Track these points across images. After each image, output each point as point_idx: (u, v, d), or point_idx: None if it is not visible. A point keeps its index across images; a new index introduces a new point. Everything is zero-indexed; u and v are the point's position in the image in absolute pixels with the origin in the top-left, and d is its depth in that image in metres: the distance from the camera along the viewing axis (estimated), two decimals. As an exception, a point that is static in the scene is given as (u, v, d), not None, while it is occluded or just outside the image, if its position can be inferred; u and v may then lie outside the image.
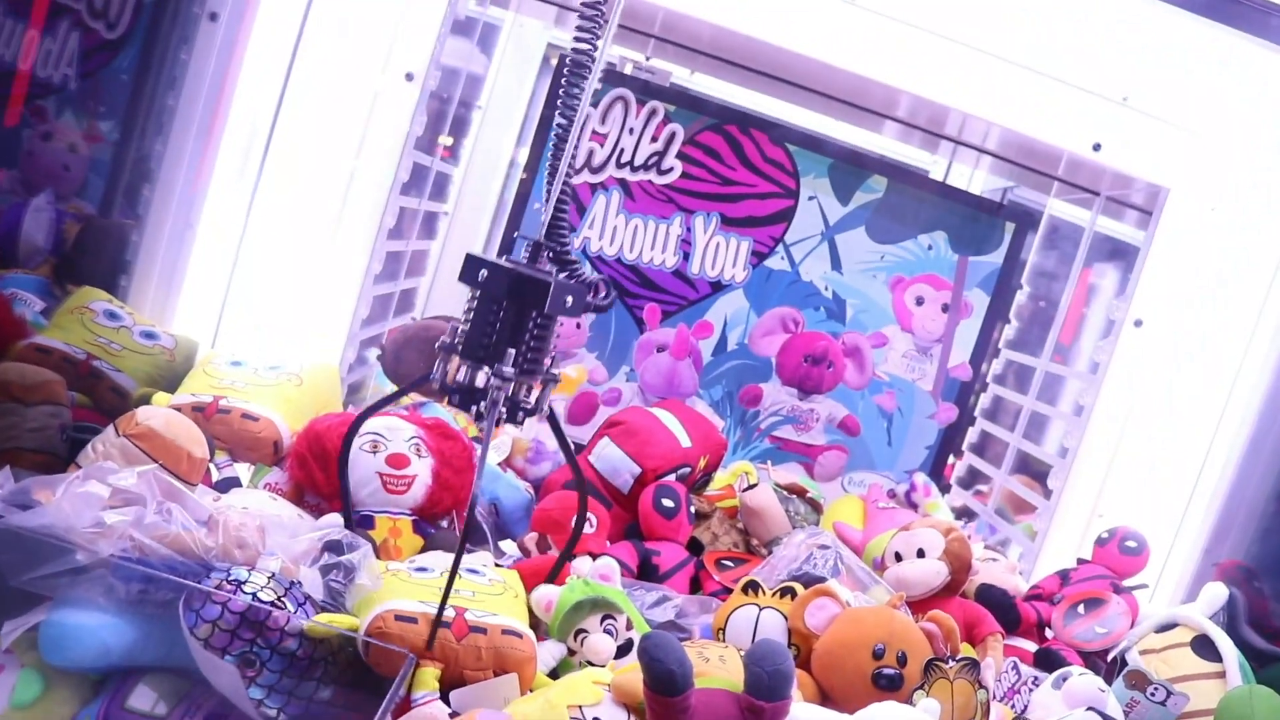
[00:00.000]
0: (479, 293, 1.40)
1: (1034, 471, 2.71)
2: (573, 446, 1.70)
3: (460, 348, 1.40)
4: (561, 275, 1.47)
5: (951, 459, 2.83)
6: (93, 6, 2.38)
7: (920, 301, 2.69)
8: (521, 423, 1.47)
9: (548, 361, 1.46)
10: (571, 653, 1.60)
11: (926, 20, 2.23)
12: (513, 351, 1.37)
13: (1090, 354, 2.55)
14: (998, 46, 2.25)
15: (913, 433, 2.72)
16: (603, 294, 1.58)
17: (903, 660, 1.61)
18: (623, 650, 1.60)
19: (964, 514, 2.76)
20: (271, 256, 2.19)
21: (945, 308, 2.69)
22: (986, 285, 2.69)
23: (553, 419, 1.53)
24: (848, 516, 2.31)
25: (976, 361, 2.71)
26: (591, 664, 1.56)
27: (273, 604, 1.38)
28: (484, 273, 1.39)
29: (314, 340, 2.21)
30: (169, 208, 2.24)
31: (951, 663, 1.62)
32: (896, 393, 2.73)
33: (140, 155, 2.39)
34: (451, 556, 1.50)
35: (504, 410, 1.41)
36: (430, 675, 1.40)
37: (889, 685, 1.57)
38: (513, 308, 1.39)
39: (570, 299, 1.42)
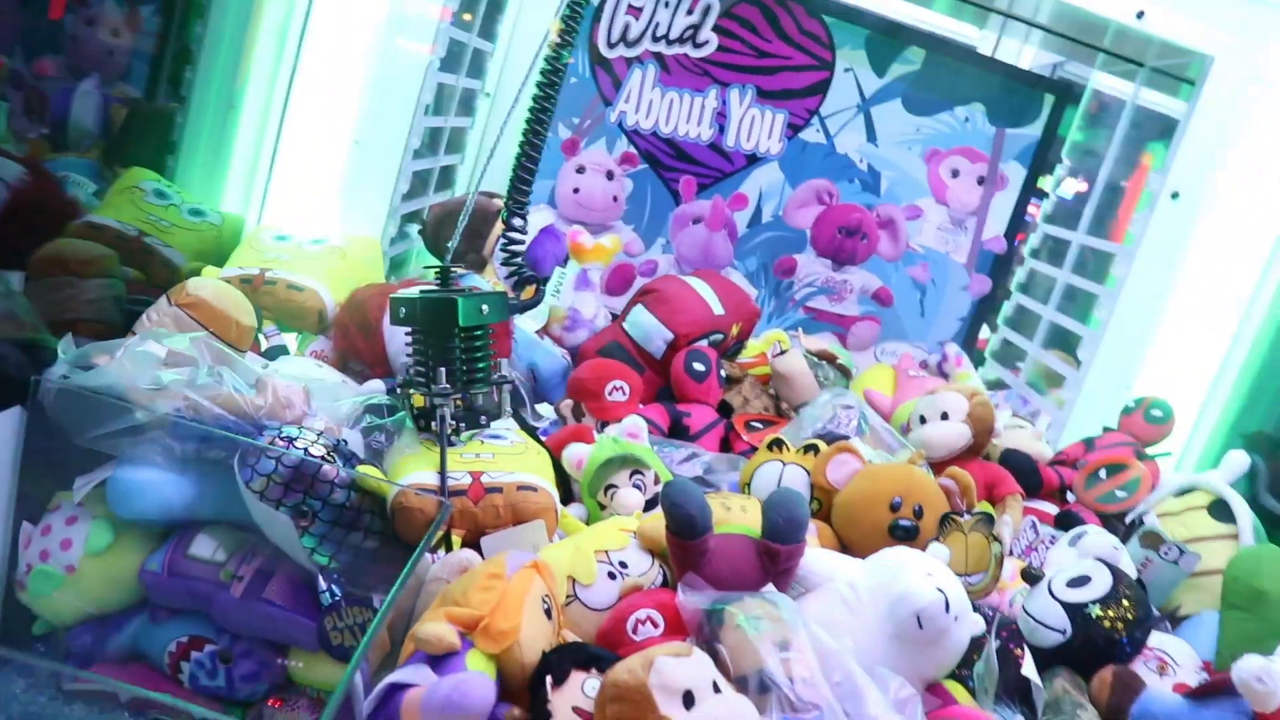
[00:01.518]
0: (412, 329, 1.57)
1: (1071, 347, 2.74)
2: (609, 315, 1.78)
3: (411, 379, 1.58)
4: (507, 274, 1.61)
5: (986, 332, 2.86)
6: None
7: (956, 174, 2.69)
8: (485, 423, 1.64)
9: (496, 367, 1.61)
10: (602, 507, 1.69)
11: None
12: (443, 370, 1.53)
13: (1127, 227, 2.56)
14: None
15: (946, 304, 2.75)
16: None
17: (919, 513, 1.68)
18: (651, 504, 1.68)
19: (997, 386, 2.80)
20: (313, 134, 2.24)
21: (981, 180, 2.69)
22: (1024, 158, 2.69)
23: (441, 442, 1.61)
24: (879, 384, 2.37)
25: (1011, 234, 2.72)
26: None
27: (322, 458, 1.47)
28: (403, 310, 1.56)
29: (355, 213, 2.28)
30: (211, 89, 2.30)
31: (966, 516, 1.70)
32: (930, 264, 2.75)
33: (181, 39, 2.44)
34: (485, 426, 1.63)
35: (458, 421, 1.58)
36: (455, 541, 1.50)
37: (905, 536, 1.65)
38: (433, 332, 1.55)
39: (487, 307, 1.57)
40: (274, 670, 1.51)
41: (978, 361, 2.84)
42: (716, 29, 2.59)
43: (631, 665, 1.14)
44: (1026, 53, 3.17)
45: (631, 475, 1.70)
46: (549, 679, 1.21)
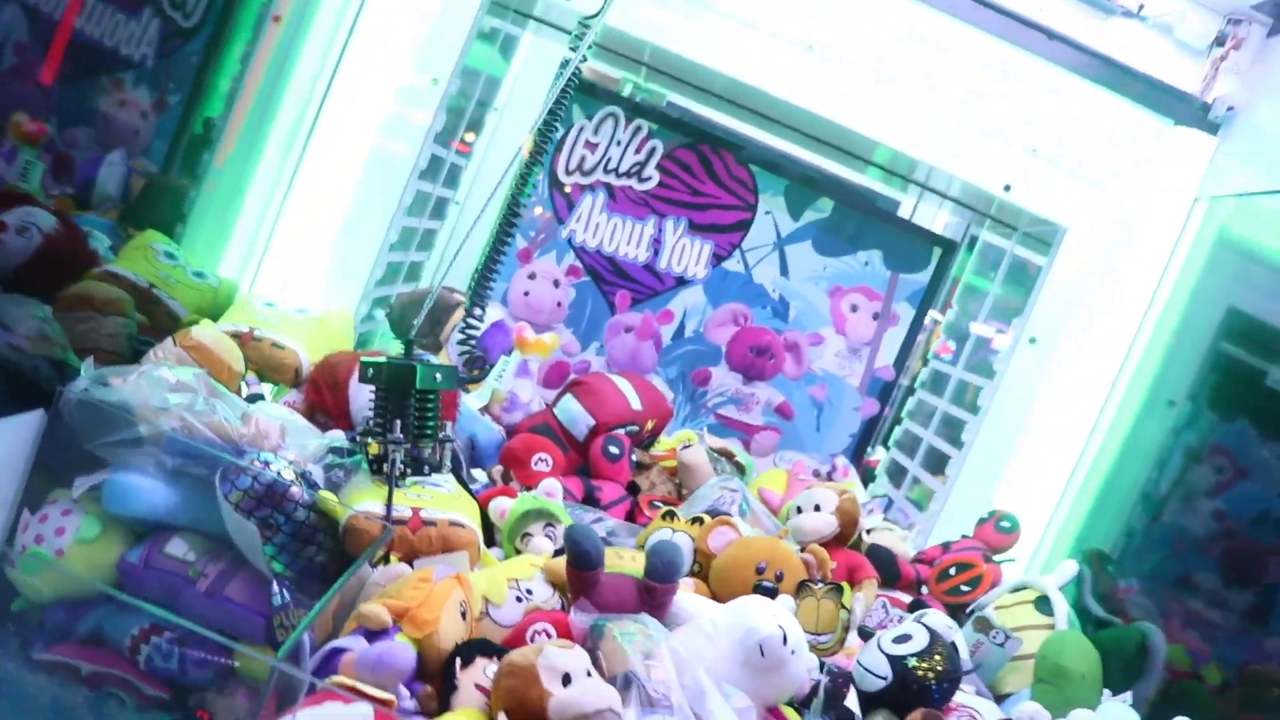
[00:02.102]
0: (376, 388, 1.87)
1: (944, 468, 3.09)
2: (543, 401, 2.11)
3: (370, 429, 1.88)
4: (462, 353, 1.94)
5: (876, 450, 3.22)
6: (173, -1, 2.78)
7: (855, 309, 3.06)
8: (427, 473, 1.94)
9: (442, 427, 1.93)
10: (518, 552, 2.01)
11: (891, 76, 2.64)
12: (399, 421, 1.84)
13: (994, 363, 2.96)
14: (943, 106, 2.66)
15: (839, 422, 3.08)
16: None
17: (780, 578, 2.01)
18: (558, 553, 1.99)
19: (885, 499, 3.14)
20: (306, 220, 2.59)
21: (876, 316, 3.07)
22: (914, 299, 3.07)
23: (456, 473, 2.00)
24: (774, 485, 2.69)
25: (899, 364, 3.09)
26: (533, 561, 1.97)
27: (291, 482, 1.74)
28: (370, 371, 1.86)
29: (334, 291, 2.62)
30: (223, 171, 2.65)
31: (820, 585, 2.03)
32: (828, 386, 3.08)
33: (200, 126, 2.80)
34: (427, 475, 1.95)
35: (406, 467, 1.89)
36: (393, 560, 1.78)
37: (766, 595, 1.97)
38: (394, 391, 1.87)
39: (440, 376, 1.90)
40: (221, 659, 1.77)
41: (869, 478, 3.19)
42: (659, 167, 2.98)
43: (525, 650, 1.47)
44: (941, 215, 3.63)
45: (545, 527, 2.01)
46: (458, 660, 1.53)
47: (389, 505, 1.80)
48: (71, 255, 2.23)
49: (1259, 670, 2.22)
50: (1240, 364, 2.55)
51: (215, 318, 2.33)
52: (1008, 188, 2.69)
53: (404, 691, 1.46)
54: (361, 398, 2.18)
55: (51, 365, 1.86)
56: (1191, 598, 2.46)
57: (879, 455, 3.30)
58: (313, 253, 2.60)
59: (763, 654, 1.65)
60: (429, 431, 1.90)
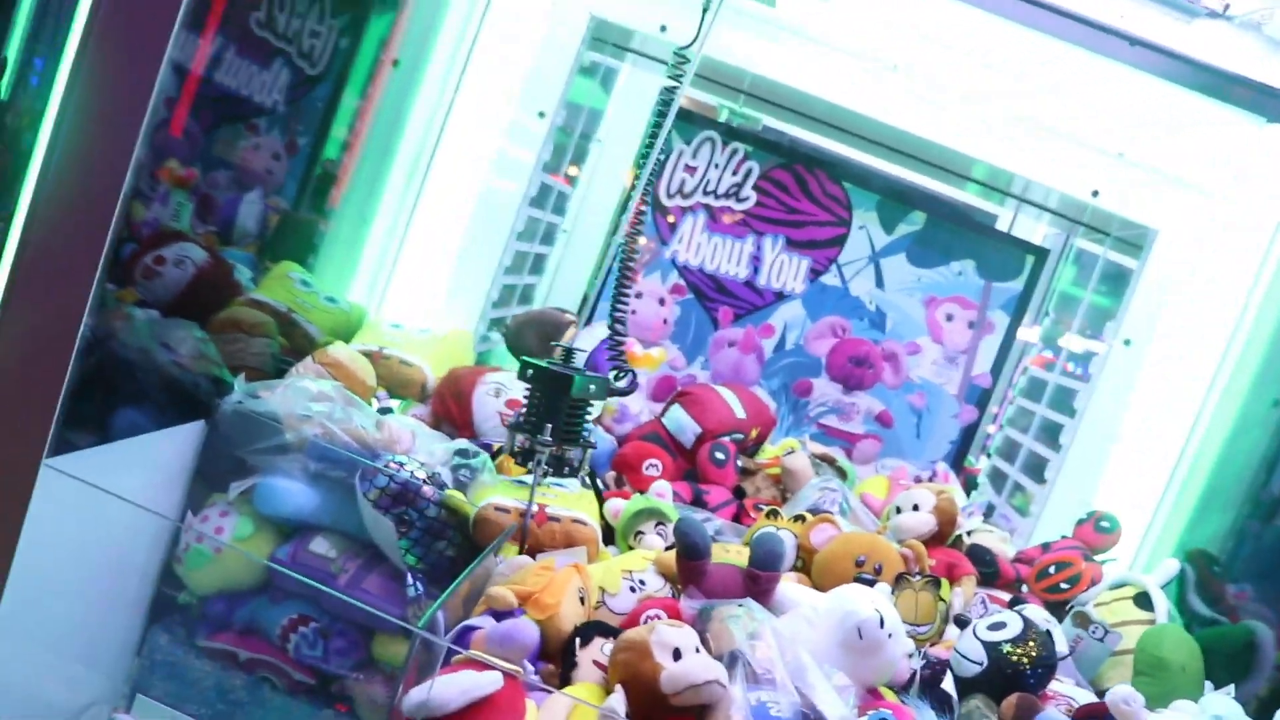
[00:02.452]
0: (532, 386, 1.97)
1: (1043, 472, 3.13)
2: (651, 413, 2.25)
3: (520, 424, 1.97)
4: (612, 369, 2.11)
5: (978, 459, 3.28)
6: (300, 49, 3.01)
7: (950, 318, 3.14)
8: (567, 474, 2.01)
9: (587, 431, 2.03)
10: (631, 548, 2.14)
11: (975, 90, 2.73)
12: (550, 425, 1.92)
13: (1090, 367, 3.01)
14: (1028, 117, 2.74)
15: (938, 429, 3.16)
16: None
17: (879, 570, 2.11)
18: (669, 550, 2.12)
19: (988, 507, 3.20)
20: (427, 247, 2.79)
21: (971, 324, 3.15)
22: (1008, 307, 3.14)
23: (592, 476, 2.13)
24: (875, 491, 2.79)
25: (995, 372, 3.16)
26: (644, 557, 2.10)
27: (423, 482, 1.91)
28: (530, 372, 1.96)
29: (454, 313, 2.81)
30: (349, 205, 2.85)
31: (918, 578, 2.12)
32: (926, 394, 3.15)
33: (328, 165, 3.01)
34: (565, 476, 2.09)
35: (549, 467, 1.96)
36: (511, 550, 1.93)
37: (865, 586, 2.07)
38: (550, 396, 1.95)
39: (593, 387, 2.00)
40: (361, 648, 1.92)
41: (970, 485, 3.24)
42: (755, 188, 3.11)
43: (639, 629, 1.60)
44: (1039, 226, 3.68)
45: (656, 525, 2.15)
46: (578, 640, 1.67)
47: (531, 498, 1.94)
48: (220, 285, 2.41)
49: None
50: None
51: (347, 339, 2.52)
52: (1096, 194, 2.75)
53: (528, 666, 1.60)
54: (484, 408, 2.36)
55: (209, 381, 2.05)
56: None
57: (980, 463, 3.36)
58: (433, 278, 2.79)
59: (860, 636, 1.75)
60: (575, 435, 2.00)
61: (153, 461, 1.88)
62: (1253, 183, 2.67)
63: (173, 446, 1.92)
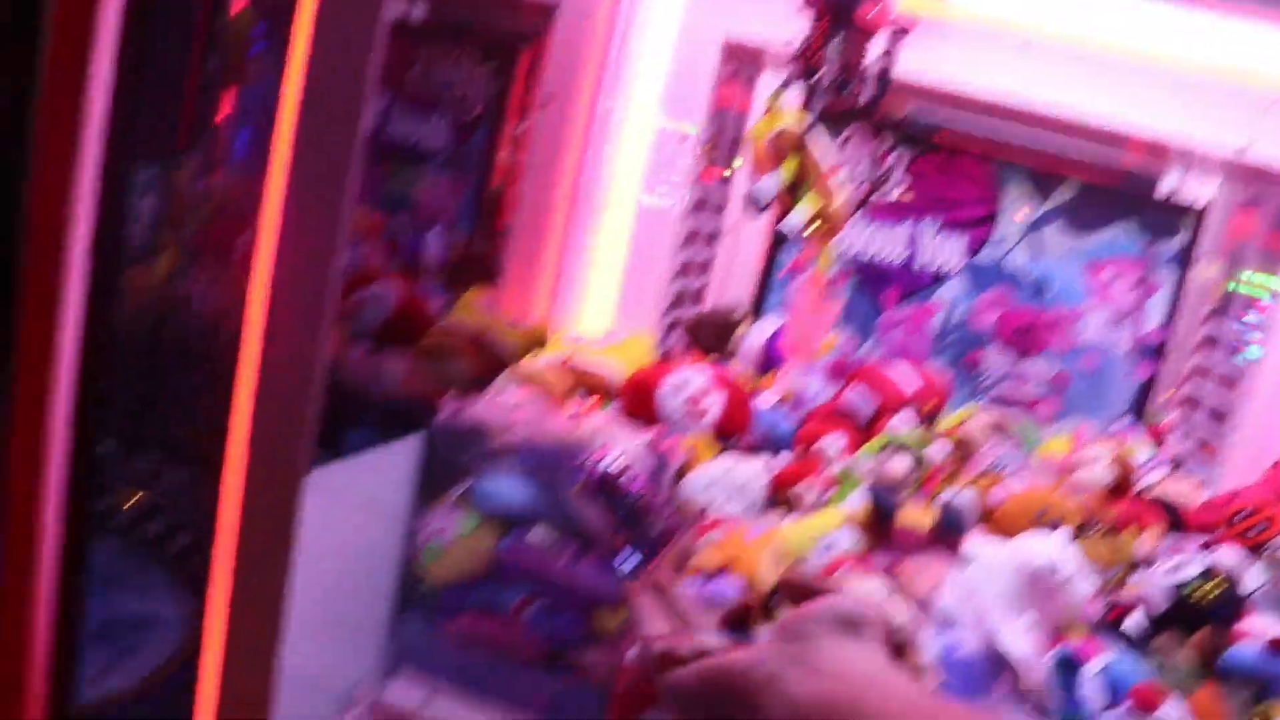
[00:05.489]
0: None
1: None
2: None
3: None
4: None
5: (1157, 413, 3.29)
6: (459, 94, 3.26)
7: (1113, 280, 3.17)
8: None
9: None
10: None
11: (1122, 59, 2.79)
12: None
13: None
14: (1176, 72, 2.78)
15: (1113, 388, 3.19)
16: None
17: (1058, 523, 2.19)
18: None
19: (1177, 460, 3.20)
20: (599, 263, 2.99)
21: (1137, 284, 3.18)
22: (1172, 264, 3.16)
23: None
24: (1055, 452, 2.85)
25: (1167, 327, 3.17)
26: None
27: (623, 471, 2.11)
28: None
29: (631, 320, 3.02)
30: (523, 235, 3.10)
31: (1099, 527, 2.20)
32: (1098, 355, 3.19)
33: (498, 196, 3.25)
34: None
35: None
36: None
37: (1046, 537, 2.16)
38: None
39: None
40: (584, 621, 2.06)
41: (1152, 439, 3.25)
42: (906, 174, 3.23)
43: (832, 580, 1.75)
44: (1200, 183, 3.64)
45: (893, 452, 2.32)
46: (776, 594, 1.83)
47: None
48: (417, 315, 2.64)
49: None
50: None
51: (536, 354, 2.73)
52: (1245, 147, 2.76)
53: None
54: (668, 404, 2.53)
55: (421, 400, 2.25)
56: None
57: (1160, 417, 3.36)
58: (607, 289, 2.99)
59: (1041, 580, 1.85)
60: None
61: (384, 472, 2.07)
62: None
63: (399, 458, 2.10)
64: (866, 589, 1.72)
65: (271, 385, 1.57)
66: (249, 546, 1.61)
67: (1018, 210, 3.22)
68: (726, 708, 0.77)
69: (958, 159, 3.21)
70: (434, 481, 2.15)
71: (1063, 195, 3.21)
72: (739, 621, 0.92)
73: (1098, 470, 2.44)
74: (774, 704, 0.73)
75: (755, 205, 2.41)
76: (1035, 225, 3.21)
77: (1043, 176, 3.21)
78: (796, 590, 0.91)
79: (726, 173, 3.43)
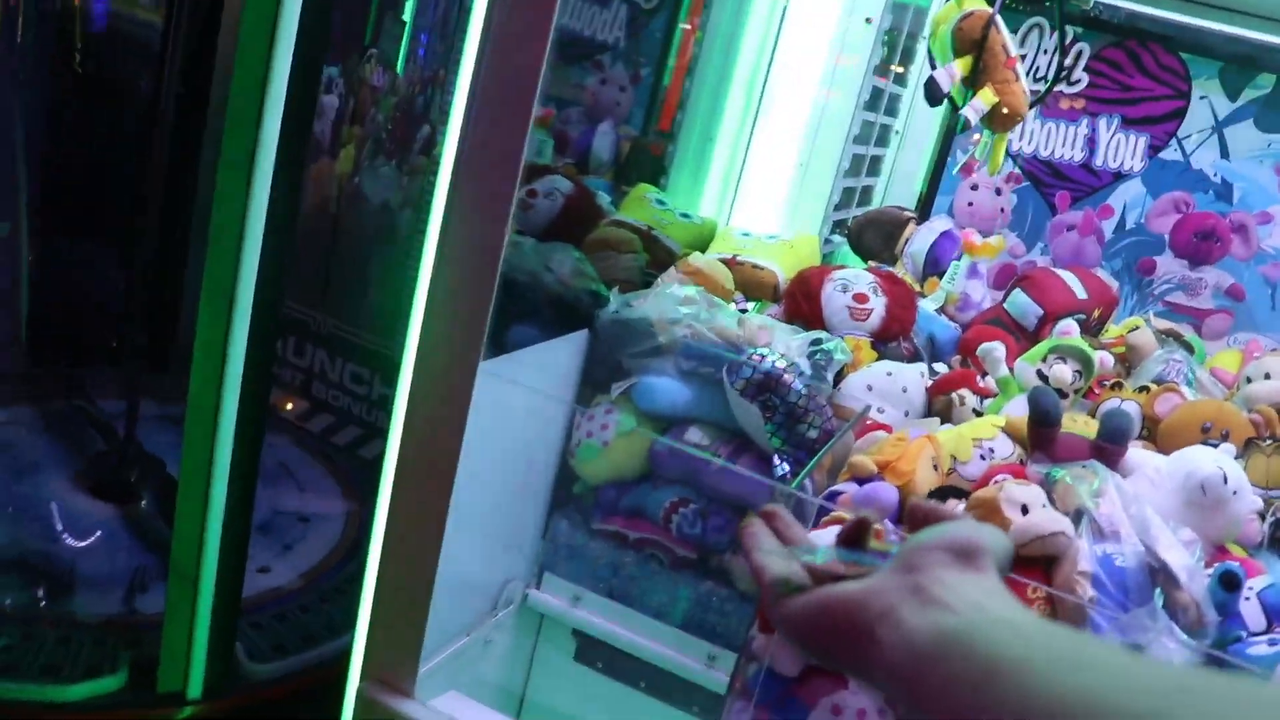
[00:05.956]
0: None
1: None
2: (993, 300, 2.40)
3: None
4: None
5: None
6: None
7: None
8: None
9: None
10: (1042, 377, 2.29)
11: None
12: None
13: None
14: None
15: None
16: None
17: (1225, 436, 2.16)
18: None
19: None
20: (768, 159, 3.01)
21: (1333, 185, 3.02)
22: None
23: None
24: (1227, 365, 2.78)
25: (1358, 235, 3.02)
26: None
27: (784, 370, 2.14)
28: None
29: (798, 218, 3.03)
30: (694, 127, 3.10)
31: (1269, 442, 2.16)
32: None
33: (670, 91, 3.27)
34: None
35: None
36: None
37: (1212, 451, 2.13)
38: None
39: None
40: (737, 525, 2.16)
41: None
42: (1087, 69, 3.11)
43: (989, 488, 1.79)
44: None
45: (1056, 358, 2.31)
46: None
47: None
48: (586, 210, 2.68)
49: None
50: None
51: (703, 249, 2.75)
52: None
53: (888, 525, 1.82)
54: (833, 304, 2.55)
55: (588, 295, 2.29)
56: None
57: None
58: (776, 187, 3.01)
59: (1204, 493, 1.83)
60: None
61: (548, 367, 2.10)
62: None
63: (562, 354, 2.14)
64: (1022, 495, 1.75)
65: (451, 275, 1.64)
66: (417, 438, 1.69)
67: (1206, 106, 3.08)
68: (840, 640, 0.75)
69: (1143, 52, 3.08)
70: (595, 379, 2.20)
71: (1257, 90, 3.05)
72: (856, 540, 0.89)
73: (1272, 385, 2.38)
74: (890, 638, 0.71)
75: (933, 95, 2.38)
76: (1224, 123, 3.07)
77: (1235, 70, 3.05)
78: (916, 516, 0.93)
79: (900, 69, 3.38)
